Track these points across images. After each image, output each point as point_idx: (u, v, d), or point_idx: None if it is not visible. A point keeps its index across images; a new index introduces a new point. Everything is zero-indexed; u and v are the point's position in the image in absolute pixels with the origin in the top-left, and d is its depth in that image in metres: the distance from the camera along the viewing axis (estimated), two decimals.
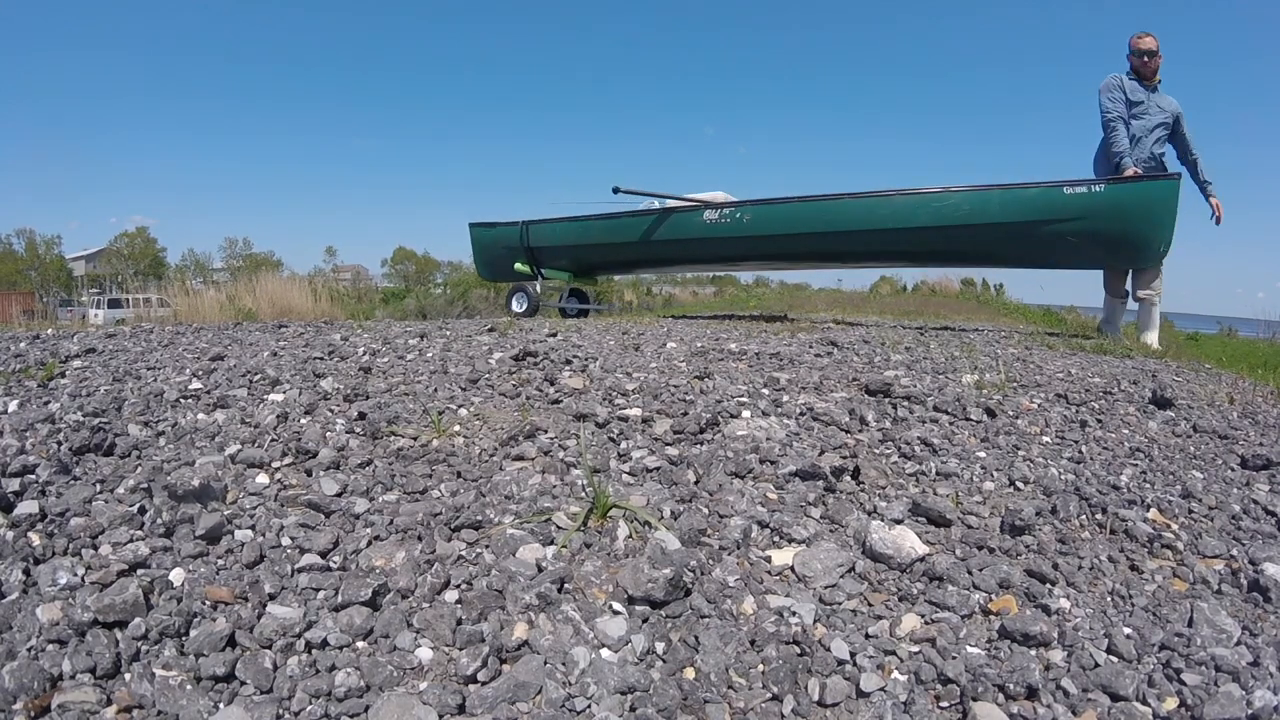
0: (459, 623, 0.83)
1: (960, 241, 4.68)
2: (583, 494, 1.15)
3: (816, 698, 0.75)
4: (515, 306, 6.18)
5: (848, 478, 1.26)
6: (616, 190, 5.56)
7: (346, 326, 3.26)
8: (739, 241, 5.19)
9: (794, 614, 0.86)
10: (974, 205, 4.52)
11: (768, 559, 1.00)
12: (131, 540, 0.96)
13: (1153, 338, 4.30)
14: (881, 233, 4.76)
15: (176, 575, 0.90)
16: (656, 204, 5.59)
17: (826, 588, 0.93)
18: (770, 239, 5.11)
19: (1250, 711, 0.70)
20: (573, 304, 6.35)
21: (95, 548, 0.94)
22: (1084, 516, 1.15)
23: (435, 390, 1.71)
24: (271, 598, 0.88)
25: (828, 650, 0.80)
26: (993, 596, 0.91)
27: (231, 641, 0.79)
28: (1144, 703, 0.73)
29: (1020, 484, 1.28)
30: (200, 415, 1.46)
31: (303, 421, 1.44)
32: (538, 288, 6.14)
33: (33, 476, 1.11)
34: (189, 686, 0.73)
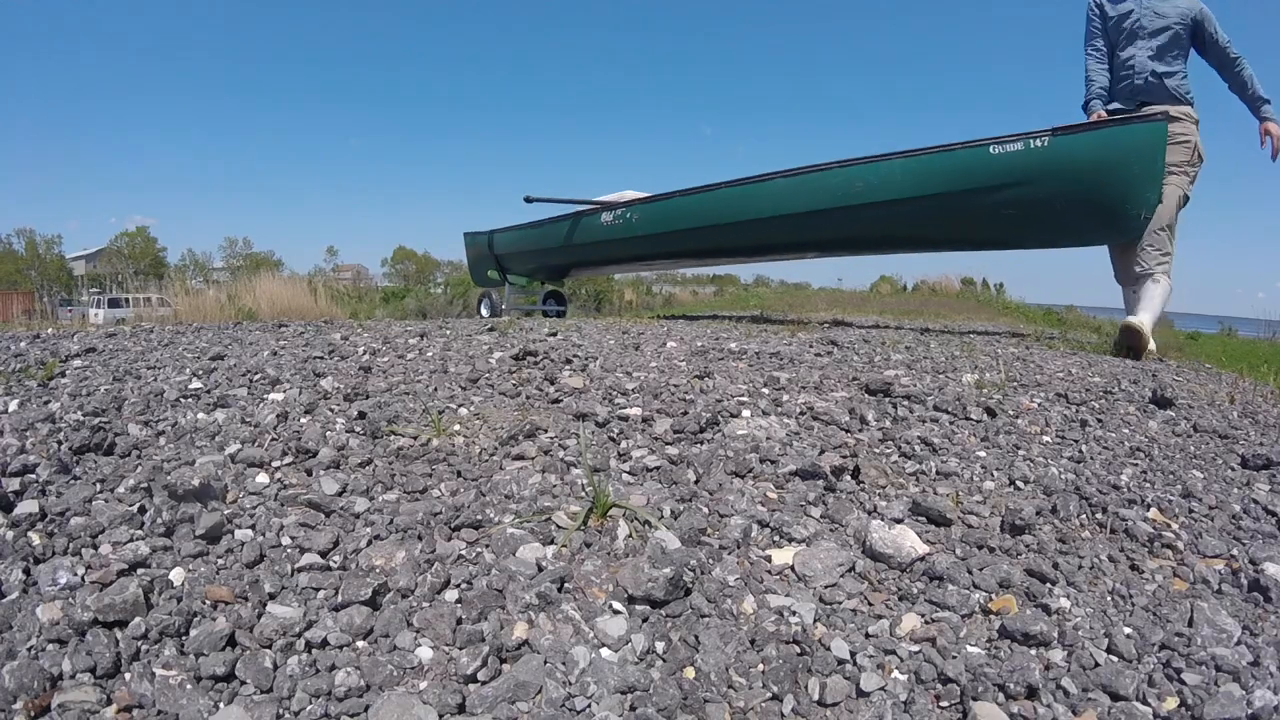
0: (459, 622, 0.83)
1: (862, 225, 3.84)
2: (583, 493, 1.15)
3: (816, 697, 0.75)
4: (484, 311, 6.32)
5: (848, 477, 1.26)
6: (528, 199, 5.44)
7: (347, 326, 3.25)
8: (632, 242, 4.95)
9: (794, 613, 0.86)
10: (872, 181, 3.66)
11: (768, 558, 1.00)
12: (131, 540, 0.96)
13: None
14: (767, 223, 4.11)
15: (176, 575, 0.90)
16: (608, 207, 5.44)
17: (826, 587, 0.93)
18: (658, 238, 4.78)
19: (1250, 711, 0.70)
20: (550, 306, 6.47)
21: (95, 547, 0.94)
22: (1084, 516, 1.15)
23: (435, 389, 1.71)
24: (271, 597, 0.88)
25: (828, 650, 0.80)
26: (993, 596, 0.91)
27: (231, 641, 0.79)
28: (1144, 702, 0.73)
29: (1020, 483, 1.28)
30: (200, 415, 1.46)
31: (303, 421, 1.44)
32: (505, 293, 6.25)
33: (33, 476, 1.11)
34: (189, 686, 0.73)
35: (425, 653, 0.79)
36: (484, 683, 0.75)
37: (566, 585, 0.90)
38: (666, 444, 1.38)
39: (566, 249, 5.55)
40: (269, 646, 0.79)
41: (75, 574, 0.87)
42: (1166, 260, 3.22)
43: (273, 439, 1.33)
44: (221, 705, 0.72)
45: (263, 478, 1.17)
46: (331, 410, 1.52)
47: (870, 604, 0.91)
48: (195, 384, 1.70)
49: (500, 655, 0.79)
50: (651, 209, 4.81)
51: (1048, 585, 0.94)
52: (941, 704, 0.74)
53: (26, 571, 0.88)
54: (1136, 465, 1.41)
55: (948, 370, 2.21)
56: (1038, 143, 3.18)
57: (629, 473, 1.26)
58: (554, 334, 2.74)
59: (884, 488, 1.24)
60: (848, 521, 1.10)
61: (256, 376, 1.78)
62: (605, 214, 5.08)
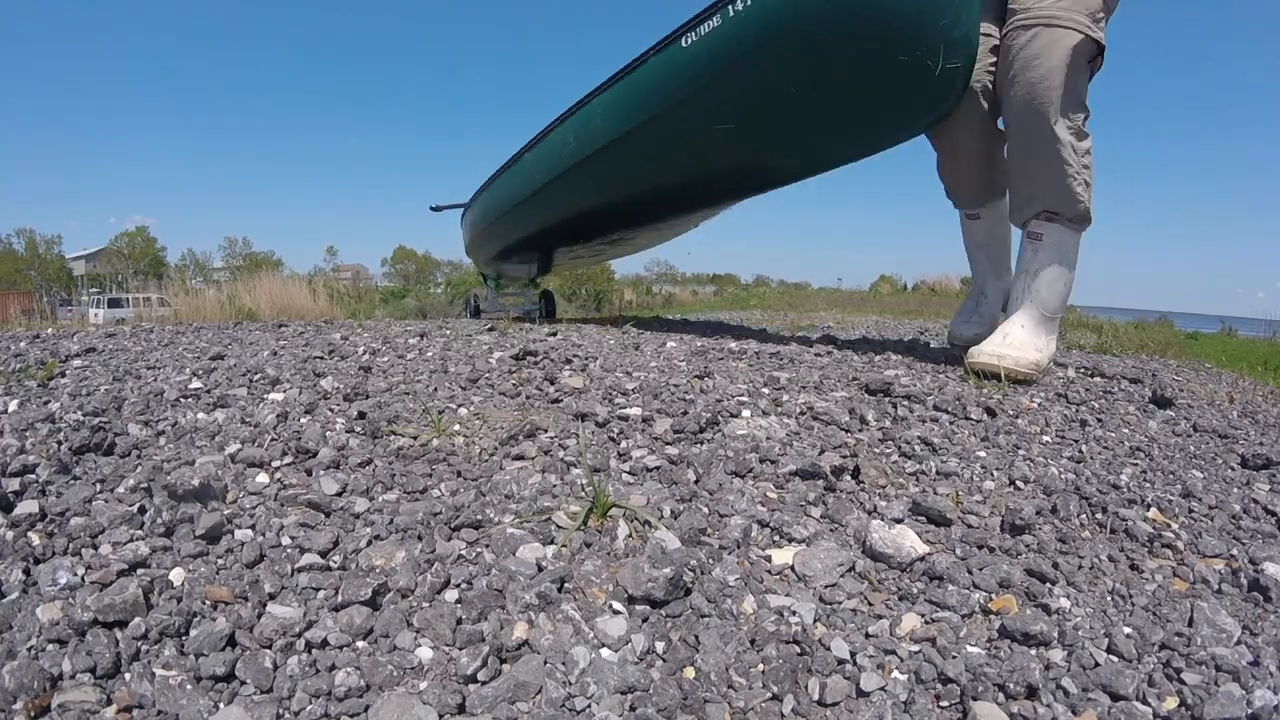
0: (459, 622, 0.83)
1: (596, 190, 3.02)
2: (583, 493, 1.15)
3: (816, 697, 0.75)
4: (466, 315, 6.38)
5: (848, 477, 1.26)
6: (433, 208, 5.55)
7: (346, 326, 3.25)
8: (486, 237, 4.85)
9: (794, 613, 0.86)
10: (580, 131, 2.81)
11: (768, 558, 1.00)
12: (131, 540, 0.96)
13: (1027, 333, 1.95)
14: (530, 204, 3.55)
15: (176, 575, 0.90)
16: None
17: (826, 587, 0.93)
18: (489, 231, 4.61)
19: (1250, 711, 0.70)
20: (531, 306, 6.51)
21: (95, 547, 0.94)
22: (1084, 516, 1.15)
23: (435, 389, 1.71)
24: (271, 597, 0.88)
25: (828, 650, 0.80)
26: (993, 596, 0.91)
27: (231, 641, 0.79)
28: (1144, 702, 0.73)
29: (1020, 483, 1.28)
30: (200, 414, 1.46)
31: (303, 421, 1.44)
32: (485, 295, 6.29)
33: (33, 476, 1.11)
34: (189, 686, 0.73)
35: (425, 653, 0.79)
36: (484, 683, 0.75)
37: (566, 585, 0.90)
38: (666, 444, 1.38)
39: (474, 249, 5.61)
40: (269, 646, 0.79)
41: (75, 574, 0.87)
42: (1089, 183, 1.93)
43: (273, 439, 1.33)
44: (221, 705, 0.72)
45: (263, 478, 1.17)
46: (331, 410, 1.52)
47: (870, 604, 0.91)
48: (195, 384, 1.70)
49: (500, 655, 0.79)
50: (478, 203, 4.68)
51: (1048, 585, 0.94)
52: (941, 704, 0.74)
53: (26, 571, 0.88)
54: (1136, 465, 1.41)
55: (948, 370, 2.21)
56: (739, 5, 2.01)
57: (629, 473, 1.26)
58: (554, 334, 2.74)
59: (884, 488, 1.24)
60: (848, 521, 1.10)
61: (256, 376, 1.78)
62: (468, 214, 5.15)
